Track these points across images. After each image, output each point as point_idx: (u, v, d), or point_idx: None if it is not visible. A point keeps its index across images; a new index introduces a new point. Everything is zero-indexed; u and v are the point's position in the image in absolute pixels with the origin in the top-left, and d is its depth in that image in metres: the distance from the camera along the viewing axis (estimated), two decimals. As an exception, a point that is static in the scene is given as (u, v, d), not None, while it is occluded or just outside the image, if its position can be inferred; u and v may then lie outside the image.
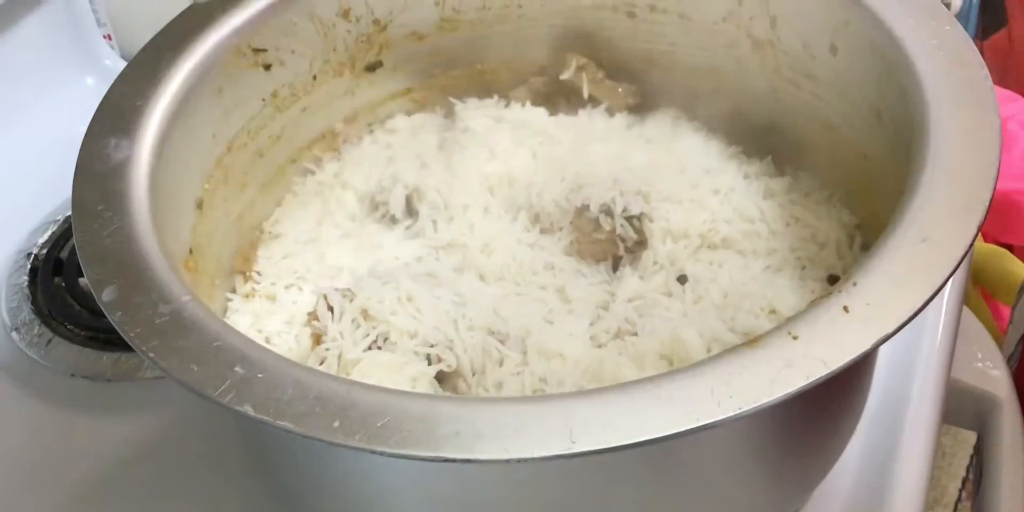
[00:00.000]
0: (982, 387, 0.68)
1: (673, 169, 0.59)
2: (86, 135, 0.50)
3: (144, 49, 0.55)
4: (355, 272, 0.55)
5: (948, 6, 0.77)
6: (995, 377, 0.69)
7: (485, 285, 0.55)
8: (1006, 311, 0.92)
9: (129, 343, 0.40)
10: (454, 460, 0.36)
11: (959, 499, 1.23)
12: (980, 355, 0.69)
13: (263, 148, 0.60)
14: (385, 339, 0.49)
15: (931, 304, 0.62)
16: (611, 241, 0.56)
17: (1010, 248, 0.97)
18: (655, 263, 0.55)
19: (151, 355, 0.39)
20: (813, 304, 0.40)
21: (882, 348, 0.51)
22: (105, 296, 0.42)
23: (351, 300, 0.50)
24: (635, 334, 0.51)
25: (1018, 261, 0.90)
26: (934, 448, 0.59)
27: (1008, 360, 0.74)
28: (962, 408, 0.68)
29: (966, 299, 0.78)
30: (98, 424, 0.60)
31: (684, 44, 0.64)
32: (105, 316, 0.63)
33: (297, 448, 0.44)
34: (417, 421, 0.37)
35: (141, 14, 0.82)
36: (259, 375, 0.38)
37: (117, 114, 0.51)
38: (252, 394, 0.38)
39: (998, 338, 0.77)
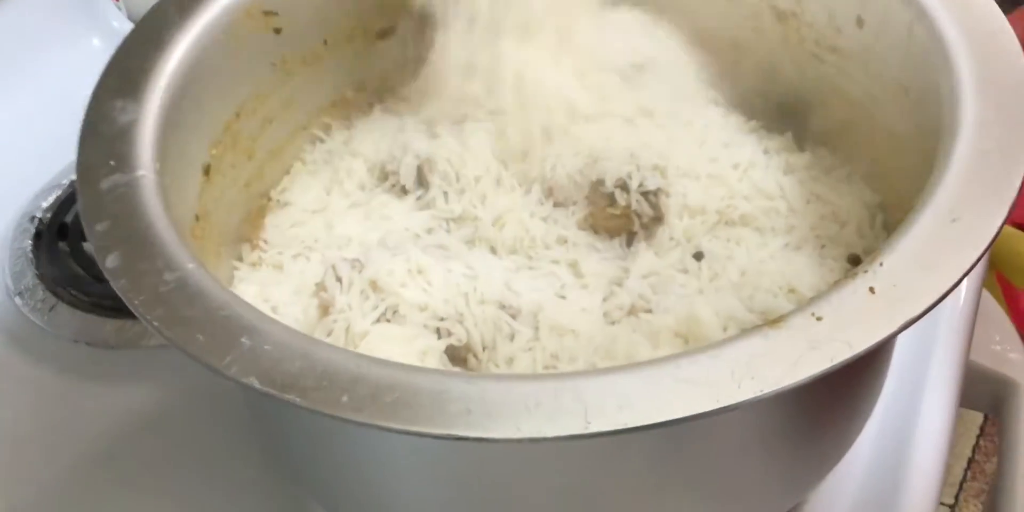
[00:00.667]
0: (999, 370, 0.67)
1: (691, 143, 0.58)
2: (92, 97, 0.48)
3: (152, 10, 0.53)
4: (364, 242, 0.54)
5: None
6: (1012, 360, 0.68)
7: (497, 258, 0.53)
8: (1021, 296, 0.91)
9: (133, 311, 0.39)
10: (465, 438, 0.35)
11: (964, 479, 1.23)
12: (998, 338, 0.68)
13: (272, 114, 0.58)
14: (394, 312, 0.48)
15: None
16: (626, 216, 0.55)
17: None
18: (671, 239, 0.54)
19: (155, 324, 0.38)
20: (838, 284, 0.39)
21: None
22: (109, 262, 0.41)
23: (360, 271, 0.49)
24: (649, 311, 0.50)
25: (1033, 243, 0.88)
26: (951, 431, 0.58)
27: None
28: (978, 391, 0.67)
29: (984, 281, 0.77)
30: (101, 391, 0.60)
31: (704, 14, 0.62)
32: (109, 282, 0.63)
33: (303, 422, 0.43)
34: (427, 397, 0.36)
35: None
36: (266, 347, 0.37)
37: (124, 76, 0.50)
38: (258, 366, 0.37)
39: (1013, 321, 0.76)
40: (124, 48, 0.52)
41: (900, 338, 0.58)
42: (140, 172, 0.45)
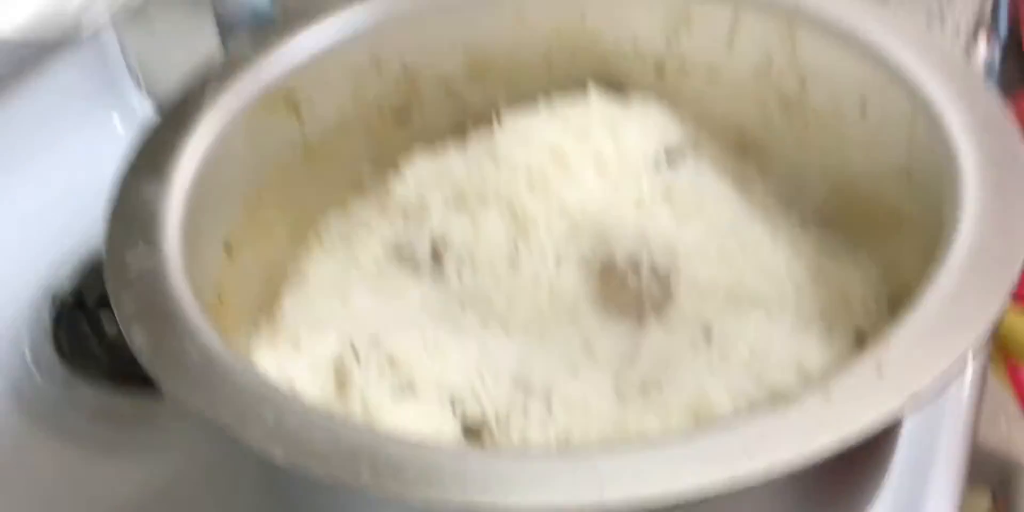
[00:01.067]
0: (1005, 450, 0.68)
1: (700, 224, 0.60)
2: (119, 176, 0.50)
3: (178, 93, 0.55)
4: (381, 319, 0.55)
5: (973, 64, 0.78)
6: (1018, 440, 0.68)
7: (510, 336, 0.54)
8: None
9: (158, 384, 0.40)
10: (482, 503, 0.35)
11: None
12: (1004, 418, 0.69)
13: (291, 194, 0.60)
14: (411, 387, 0.49)
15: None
16: (637, 295, 0.56)
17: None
18: (681, 318, 0.55)
19: (181, 397, 0.39)
20: (846, 363, 0.40)
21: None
22: (136, 338, 0.42)
23: (377, 347, 0.50)
24: (661, 388, 0.51)
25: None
26: (958, 509, 0.59)
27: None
28: (983, 470, 0.67)
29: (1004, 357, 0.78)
30: (117, 466, 0.60)
31: (711, 101, 0.64)
32: (128, 358, 0.64)
33: (323, 495, 0.44)
34: (447, 471, 0.36)
35: (170, 56, 0.83)
36: (289, 420, 0.38)
37: (150, 157, 0.52)
38: (282, 438, 0.38)
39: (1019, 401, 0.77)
40: (151, 129, 0.53)
41: (906, 421, 0.60)
42: (165, 250, 0.47)
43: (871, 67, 0.55)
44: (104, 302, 0.68)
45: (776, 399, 0.39)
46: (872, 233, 0.58)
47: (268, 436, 0.38)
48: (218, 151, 0.53)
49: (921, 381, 0.39)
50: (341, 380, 0.50)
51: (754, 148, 0.64)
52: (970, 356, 0.64)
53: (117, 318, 0.43)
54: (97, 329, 0.68)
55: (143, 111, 0.82)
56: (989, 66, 1.27)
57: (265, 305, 0.59)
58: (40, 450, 0.62)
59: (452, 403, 0.49)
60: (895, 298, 0.55)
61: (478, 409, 0.49)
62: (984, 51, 1.14)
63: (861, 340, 0.53)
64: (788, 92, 0.60)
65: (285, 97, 0.58)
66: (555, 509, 0.36)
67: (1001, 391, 0.71)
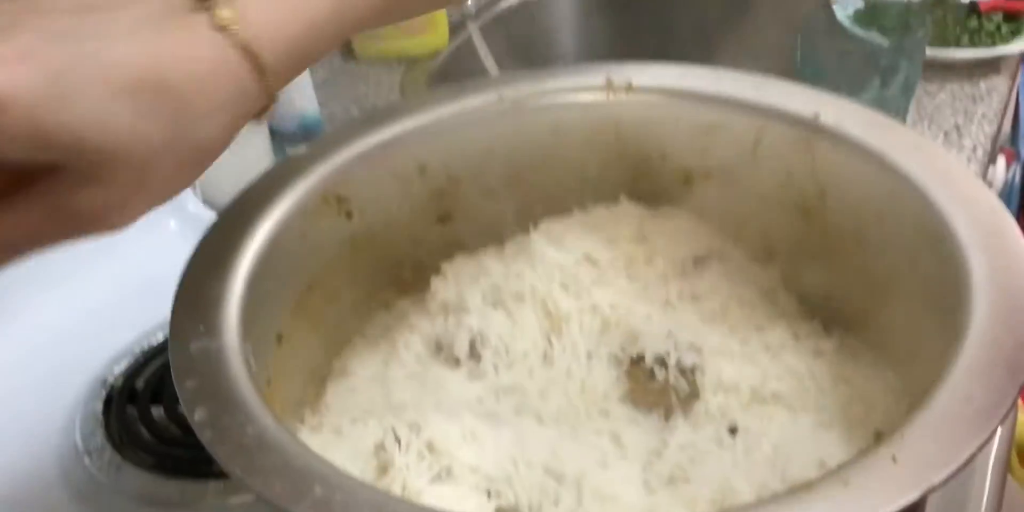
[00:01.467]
0: (1028, 557, 0.68)
1: (725, 326, 0.62)
2: (185, 270, 0.54)
3: (239, 195, 0.59)
4: (420, 409, 0.58)
5: (990, 185, 0.81)
6: (1040, 547, 0.69)
7: (543, 427, 0.57)
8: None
9: (217, 460, 0.43)
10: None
11: None
12: (1025, 524, 0.70)
13: (338, 289, 0.63)
14: (448, 472, 0.51)
15: (975, 472, 0.65)
16: (664, 391, 0.59)
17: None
18: (707, 414, 0.58)
19: (238, 472, 0.42)
20: (862, 453, 0.42)
21: None
22: (197, 416, 0.45)
23: (417, 433, 0.53)
24: (687, 481, 0.53)
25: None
26: None
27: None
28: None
29: (1010, 468, 0.79)
30: (162, 549, 0.62)
31: (736, 209, 0.68)
32: (175, 444, 0.67)
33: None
34: (484, 547, 0.39)
35: (224, 164, 0.88)
36: (337, 496, 0.41)
37: (213, 254, 0.56)
38: (330, 512, 0.40)
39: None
40: (214, 228, 0.57)
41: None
42: (225, 338, 0.50)
43: (888, 181, 0.58)
44: (155, 392, 0.72)
45: (796, 488, 0.41)
46: (891, 341, 0.60)
47: (317, 510, 0.40)
48: (274, 248, 0.57)
49: (936, 472, 0.41)
50: (382, 465, 0.53)
51: (778, 256, 0.67)
52: (990, 461, 0.66)
53: (179, 397, 0.46)
54: (146, 418, 0.70)
55: (199, 216, 0.87)
56: (1008, 185, 1.31)
57: (310, 397, 0.62)
58: (88, 533, 0.64)
59: (488, 490, 0.51)
60: (915, 403, 0.57)
61: (512, 496, 0.51)
62: (1002, 171, 1.18)
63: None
64: (808, 202, 0.63)
65: (337, 199, 0.62)
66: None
67: (1021, 495, 0.72)
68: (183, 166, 0.42)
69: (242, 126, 0.44)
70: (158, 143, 0.40)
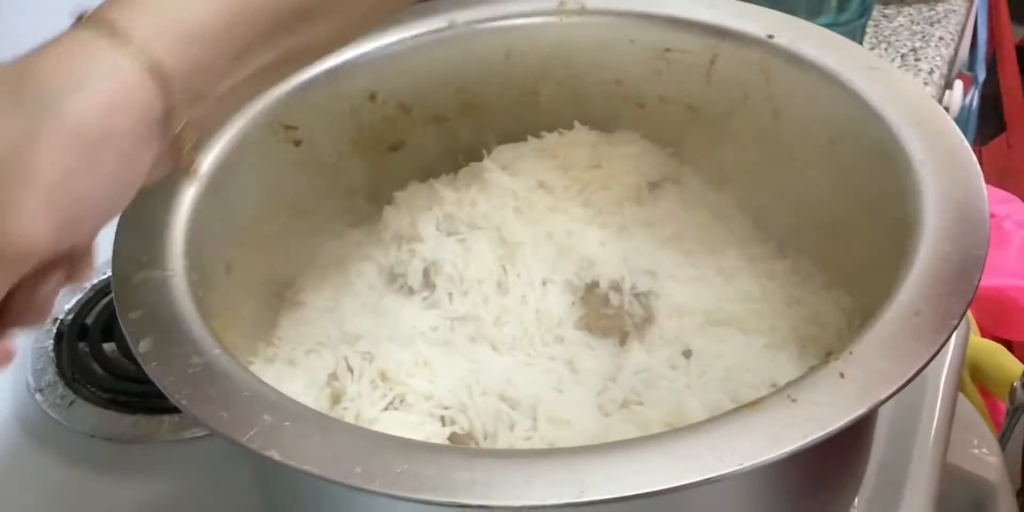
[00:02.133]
0: (978, 473, 0.70)
1: (679, 250, 0.62)
2: (127, 201, 0.53)
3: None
4: (374, 338, 0.57)
5: (947, 110, 0.81)
6: (990, 464, 0.70)
7: (498, 354, 0.57)
8: (1003, 406, 0.93)
9: (163, 390, 0.42)
10: (468, 506, 0.38)
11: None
12: (976, 442, 0.71)
13: (289, 220, 0.62)
14: (402, 400, 0.51)
15: (927, 389, 0.65)
16: (619, 316, 0.59)
17: (1008, 344, 0.99)
18: (661, 338, 0.58)
19: (184, 402, 0.42)
20: (811, 370, 0.42)
21: (878, 430, 0.53)
22: (142, 347, 0.44)
23: (370, 362, 0.52)
24: (641, 404, 0.53)
25: (1012, 356, 0.91)
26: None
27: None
28: (957, 494, 0.69)
29: (964, 389, 0.80)
30: (117, 485, 0.62)
31: (691, 133, 0.67)
32: (126, 379, 0.66)
33: (316, 497, 0.46)
34: (434, 469, 0.39)
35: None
36: (286, 423, 0.41)
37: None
38: (279, 440, 0.40)
39: (993, 431, 0.79)
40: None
41: (878, 438, 0.62)
42: (170, 268, 0.49)
43: (842, 101, 0.58)
44: (106, 327, 0.71)
45: (744, 406, 0.41)
46: (844, 261, 0.60)
47: (265, 438, 0.40)
48: (220, 177, 0.56)
49: (883, 387, 0.41)
50: (335, 395, 0.52)
51: (732, 179, 0.66)
52: (941, 378, 0.67)
53: (123, 328, 0.45)
54: (98, 354, 0.70)
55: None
56: (965, 110, 1.30)
57: (262, 330, 0.61)
58: (41, 469, 0.63)
59: (442, 417, 0.51)
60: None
61: (466, 423, 0.51)
62: (959, 95, 1.18)
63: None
64: (763, 124, 0.63)
65: (285, 126, 0.60)
66: (536, 508, 0.38)
67: (974, 415, 0.73)
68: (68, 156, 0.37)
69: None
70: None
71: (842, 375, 0.41)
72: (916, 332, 0.43)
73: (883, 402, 0.40)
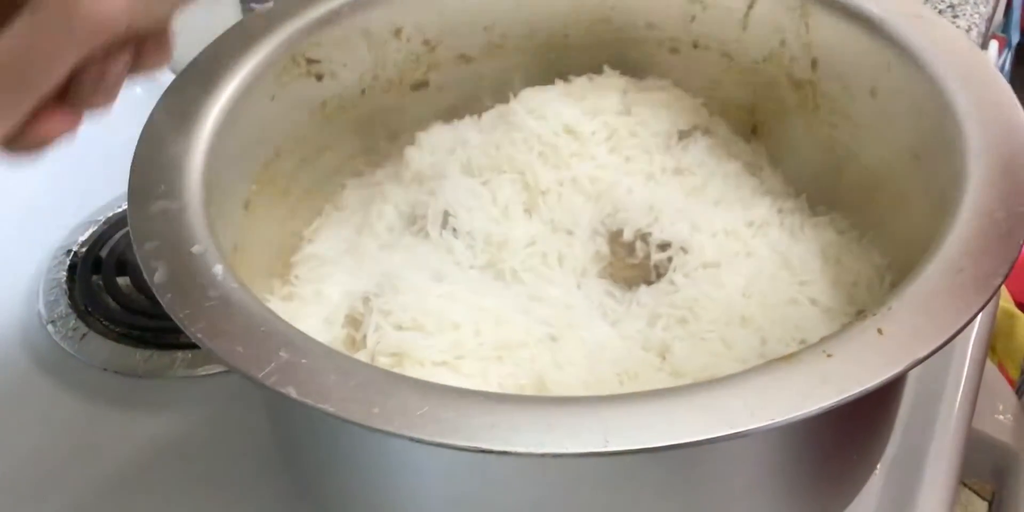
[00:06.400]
0: (1002, 439, 0.68)
1: (708, 201, 0.61)
2: (145, 129, 0.51)
3: (203, 52, 0.56)
4: (391, 279, 0.56)
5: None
6: (1015, 430, 0.69)
7: (517, 298, 0.55)
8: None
9: (177, 323, 0.41)
10: (489, 451, 0.36)
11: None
12: (1001, 407, 0.70)
13: (309, 156, 0.61)
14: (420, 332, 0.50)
15: (955, 352, 0.64)
16: (644, 266, 0.57)
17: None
18: (686, 290, 0.56)
19: (199, 335, 0.40)
20: (848, 325, 0.41)
21: (906, 393, 0.52)
22: (156, 278, 0.43)
23: (387, 303, 0.51)
24: (669, 354, 0.52)
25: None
26: (953, 497, 0.59)
27: None
28: (981, 459, 0.68)
29: (990, 352, 0.78)
30: (127, 419, 0.61)
31: (724, 81, 0.65)
32: (140, 314, 0.65)
33: (332, 436, 0.45)
34: (454, 412, 0.37)
35: (192, 26, 0.84)
36: (303, 360, 0.39)
37: (175, 112, 0.53)
38: (295, 378, 0.39)
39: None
40: (175, 87, 0.54)
41: (904, 405, 0.60)
42: (187, 199, 0.48)
43: (885, 50, 0.55)
44: (121, 262, 0.69)
45: (776, 360, 0.40)
46: (879, 216, 0.59)
47: (282, 375, 0.39)
48: (240, 110, 0.54)
49: (922, 345, 0.39)
50: (352, 335, 0.51)
51: (764, 131, 0.64)
52: (971, 341, 0.66)
53: (138, 258, 0.44)
54: (112, 288, 0.69)
55: (166, 83, 0.83)
56: (999, 71, 1.28)
57: (280, 266, 0.60)
58: (51, 401, 0.63)
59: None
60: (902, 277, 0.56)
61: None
62: (994, 56, 1.15)
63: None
64: (800, 74, 0.61)
65: (307, 60, 0.59)
66: (558, 455, 0.37)
67: (1000, 381, 0.72)
68: None
69: None
70: None
71: (880, 331, 0.40)
72: (958, 290, 0.41)
73: (922, 360, 0.39)
